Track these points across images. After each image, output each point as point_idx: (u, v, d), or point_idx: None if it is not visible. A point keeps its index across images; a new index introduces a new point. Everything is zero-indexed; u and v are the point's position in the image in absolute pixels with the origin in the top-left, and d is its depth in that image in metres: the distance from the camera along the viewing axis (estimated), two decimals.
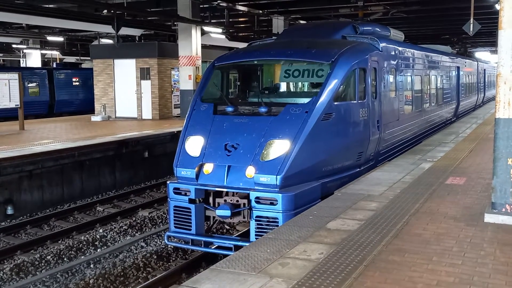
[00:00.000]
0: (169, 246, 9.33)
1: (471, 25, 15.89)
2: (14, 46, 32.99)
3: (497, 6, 6.26)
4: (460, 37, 34.83)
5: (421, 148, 11.70)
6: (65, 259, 9.37)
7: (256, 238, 7.09)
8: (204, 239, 8.05)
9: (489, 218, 5.95)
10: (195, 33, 20.57)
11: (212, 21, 22.87)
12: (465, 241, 5.31)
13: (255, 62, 9.68)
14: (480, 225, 5.85)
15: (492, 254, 4.95)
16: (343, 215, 6.32)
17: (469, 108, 23.28)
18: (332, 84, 8.30)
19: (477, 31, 16.38)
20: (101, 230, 10.89)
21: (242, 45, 24.87)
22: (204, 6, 21.47)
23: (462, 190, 7.53)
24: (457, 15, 23.81)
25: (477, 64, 25.88)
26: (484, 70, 28.36)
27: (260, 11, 23.59)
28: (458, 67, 19.42)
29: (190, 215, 7.97)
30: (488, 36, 34.04)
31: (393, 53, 10.98)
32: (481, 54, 42.49)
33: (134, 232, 10.88)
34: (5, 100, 17.13)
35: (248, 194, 7.53)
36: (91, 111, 24.22)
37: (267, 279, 4.39)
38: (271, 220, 7.37)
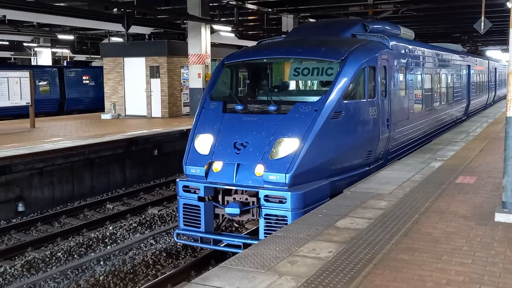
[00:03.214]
0: (178, 243, 9.36)
1: (482, 23, 15.77)
2: (25, 44, 33.18)
3: (509, 4, 6.21)
4: (471, 36, 34.60)
5: (431, 147, 11.65)
6: (75, 256, 9.43)
7: (265, 236, 7.10)
8: (213, 237, 8.06)
9: (499, 217, 5.92)
10: (205, 32, 20.60)
11: (222, 19, 22.88)
12: (475, 240, 5.29)
13: (265, 60, 9.68)
14: (490, 224, 5.83)
15: (502, 253, 4.93)
16: (352, 213, 6.31)
17: (480, 106, 23.13)
18: (342, 82, 8.27)
19: (488, 29, 16.27)
20: (110, 228, 10.94)
21: (251, 43, 24.82)
22: (214, 4, 21.49)
23: (472, 189, 7.49)
24: (468, 13, 23.63)
25: (488, 62, 25.68)
26: (495, 68, 28.14)
27: (270, 10, 23.57)
28: (469, 66, 19.29)
29: (199, 213, 7.99)
30: (499, 35, 33.78)
31: (403, 51, 10.93)
32: (492, 52, 42.17)
33: (144, 230, 10.93)
34: (16, 98, 17.25)
35: (257, 192, 7.53)
36: (101, 109, 24.34)
37: (276, 276, 4.40)
38: (280, 218, 7.37)
